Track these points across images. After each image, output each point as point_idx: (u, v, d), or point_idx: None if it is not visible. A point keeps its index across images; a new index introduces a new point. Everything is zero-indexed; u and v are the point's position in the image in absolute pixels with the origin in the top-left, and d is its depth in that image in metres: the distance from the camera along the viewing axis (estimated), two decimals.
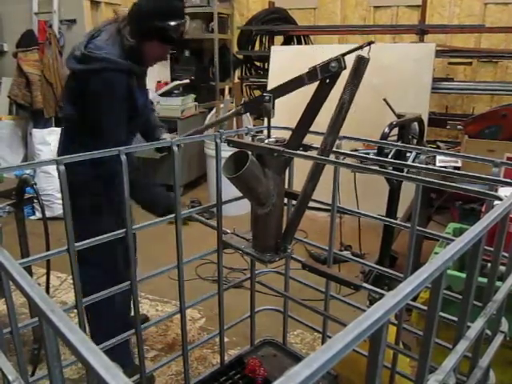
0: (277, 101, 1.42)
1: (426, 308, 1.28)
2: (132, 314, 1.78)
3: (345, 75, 1.26)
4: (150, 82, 4.58)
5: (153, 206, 1.81)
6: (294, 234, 1.53)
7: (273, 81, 4.12)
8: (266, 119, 1.49)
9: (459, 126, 3.17)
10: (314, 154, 1.42)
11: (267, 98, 1.40)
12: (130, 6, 1.83)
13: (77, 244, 1.31)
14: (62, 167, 1.25)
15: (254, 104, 1.63)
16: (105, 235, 1.39)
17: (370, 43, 1.19)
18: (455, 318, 1.20)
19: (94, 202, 1.88)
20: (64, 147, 1.92)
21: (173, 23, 1.77)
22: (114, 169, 1.44)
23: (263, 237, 1.51)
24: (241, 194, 1.52)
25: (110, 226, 1.48)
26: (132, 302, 1.58)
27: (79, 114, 1.84)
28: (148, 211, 1.83)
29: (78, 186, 1.51)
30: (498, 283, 0.95)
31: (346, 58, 1.25)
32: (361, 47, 1.22)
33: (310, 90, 1.33)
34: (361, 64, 1.20)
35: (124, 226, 1.42)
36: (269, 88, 1.55)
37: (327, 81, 1.27)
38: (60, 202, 1.34)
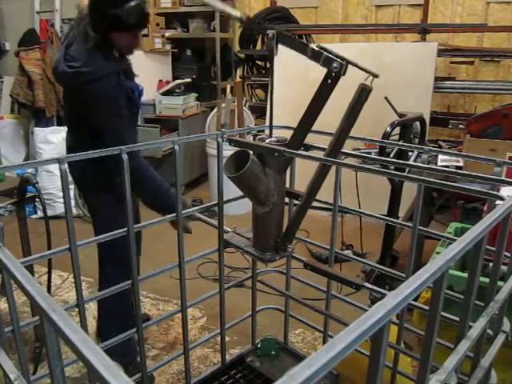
0: (279, 99, 1.41)
1: (427, 308, 1.29)
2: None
3: (347, 80, 1.25)
4: (152, 81, 4.59)
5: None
6: (295, 234, 1.53)
7: (274, 80, 4.08)
8: (267, 118, 1.49)
9: (461, 126, 3.16)
10: (315, 153, 1.42)
11: (271, 34, 1.30)
12: None
13: (78, 243, 1.31)
14: (65, 166, 1.25)
15: None
16: (106, 234, 1.40)
17: (374, 76, 1.21)
18: (457, 318, 1.20)
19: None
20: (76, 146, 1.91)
21: (127, 6, 1.61)
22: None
23: (263, 236, 1.50)
24: (242, 193, 1.52)
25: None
26: (133, 301, 1.58)
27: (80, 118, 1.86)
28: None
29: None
30: (500, 283, 0.94)
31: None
32: (365, 70, 1.21)
33: (311, 89, 1.32)
34: (363, 94, 1.21)
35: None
36: (270, 89, 1.54)
37: (329, 81, 1.27)
38: (62, 200, 1.34)
